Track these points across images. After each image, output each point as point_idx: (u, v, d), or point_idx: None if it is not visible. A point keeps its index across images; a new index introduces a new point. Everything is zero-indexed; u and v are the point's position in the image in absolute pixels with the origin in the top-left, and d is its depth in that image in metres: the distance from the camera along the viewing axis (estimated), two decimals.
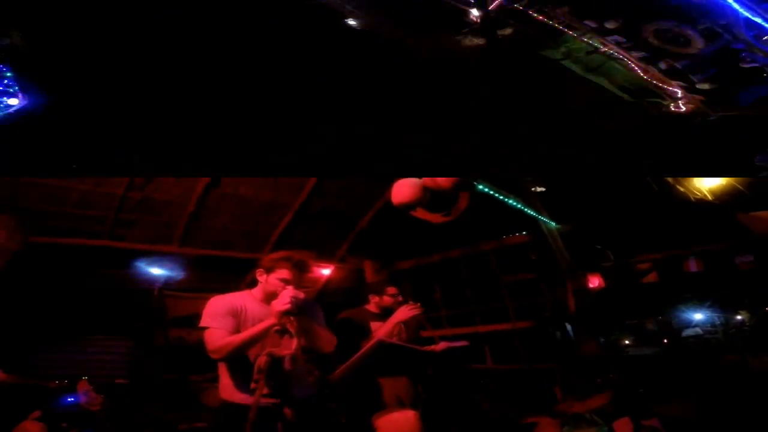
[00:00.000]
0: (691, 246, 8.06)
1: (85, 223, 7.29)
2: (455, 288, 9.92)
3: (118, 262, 7.81)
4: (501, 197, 7.39)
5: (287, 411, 3.56)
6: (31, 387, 6.53)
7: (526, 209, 8.17)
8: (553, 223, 8.59)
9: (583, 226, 8.49)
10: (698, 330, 7.97)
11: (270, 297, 3.79)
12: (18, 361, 6.83)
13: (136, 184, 7.03)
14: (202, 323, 3.70)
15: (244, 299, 3.86)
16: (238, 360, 3.65)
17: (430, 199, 5.85)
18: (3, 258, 6.48)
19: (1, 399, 5.73)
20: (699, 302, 8.00)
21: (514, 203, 7.83)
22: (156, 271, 8.17)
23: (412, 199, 5.77)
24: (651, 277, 8.46)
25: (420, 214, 7.76)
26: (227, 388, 3.73)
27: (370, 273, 10.06)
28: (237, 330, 3.68)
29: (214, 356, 3.64)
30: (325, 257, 9.64)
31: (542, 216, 8.48)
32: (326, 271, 9.80)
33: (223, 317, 3.70)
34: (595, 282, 8.43)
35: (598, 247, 8.73)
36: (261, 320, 3.66)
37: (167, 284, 8.63)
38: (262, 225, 8.58)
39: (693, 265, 8.01)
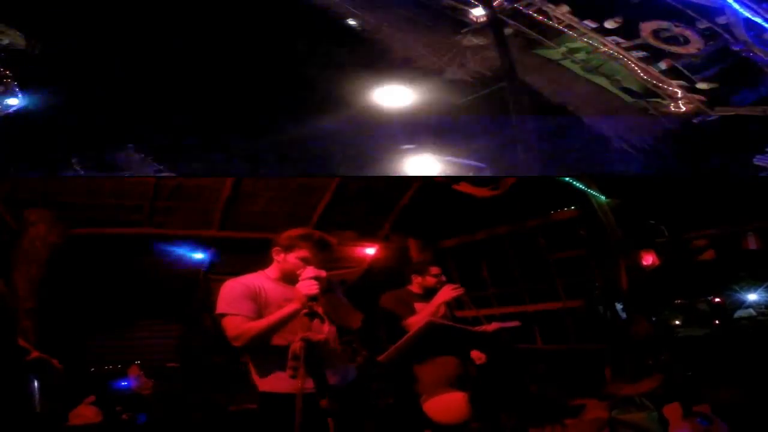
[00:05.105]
0: (750, 221, 7.70)
1: (123, 213, 7.45)
2: (502, 266, 9.72)
3: (160, 248, 7.94)
4: None
5: (323, 399, 3.33)
6: (85, 373, 6.73)
7: (574, 183, 7.93)
8: (603, 197, 8.32)
9: (635, 199, 8.19)
10: (751, 311, 7.63)
11: (287, 277, 3.51)
12: (71, 348, 7.03)
13: None
14: (219, 310, 3.39)
15: (261, 280, 3.55)
16: (265, 346, 3.37)
17: None
18: (45, 250, 6.62)
19: (58, 386, 5.87)
20: (754, 281, 7.66)
21: (562, 177, 7.61)
22: (198, 255, 8.28)
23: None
24: (707, 255, 8.14)
25: (464, 188, 7.61)
26: (258, 378, 3.47)
27: (415, 252, 9.95)
28: (258, 314, 3.39)
29: (235, 344, 3.33)
30: (369, 237, 9.59)
31: (591, 190, 8.21)
32: (370, 251, 9.76)
33: (241, 301, 3.38)
34: (648, 259, 8.12)
35: (652, 222, 8.43)
36: (285, 301, 3.38)
37: (211, 268, 8.75)
38: (301, 206, 8.59)
39: (752, 242, 7.67)
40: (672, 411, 5.61)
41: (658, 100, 6.26)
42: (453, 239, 10.12)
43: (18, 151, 5.03)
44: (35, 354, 4.13)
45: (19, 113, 5.15)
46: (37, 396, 4.10)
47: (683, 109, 6.15)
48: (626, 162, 5.88)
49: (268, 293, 3.49)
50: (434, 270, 5.18)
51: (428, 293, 5.04)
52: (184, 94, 5.49)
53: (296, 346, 3.20)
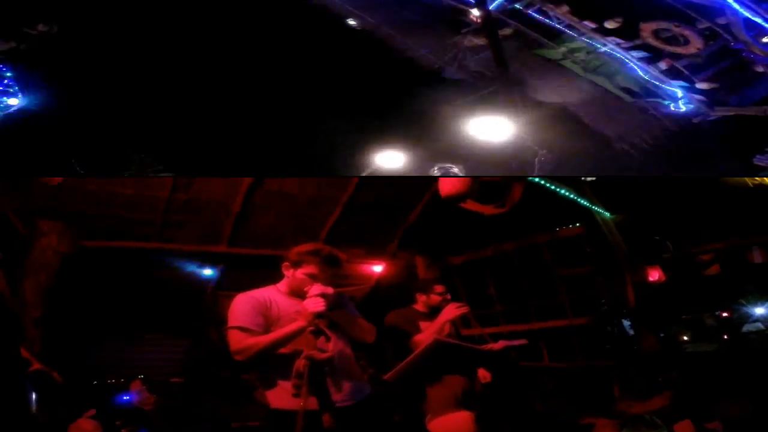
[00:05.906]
0: (756, 235, 7.62)
1: (134, 226, 7.39)
2: (509, 283, 9.66)
3: (169, 263, 7.89)
4: (553, 187, 7.17)
5: (327, 418, 3.27)
6: (86, 386, 6.67)
7: (579, 199, 7.90)
8: (608, 214, 8.29)
9: (640, 215, 8.15)
10: (760, 325, 7.55)
11: (296, 292, 3.50)
12: (75, 360, 6.99)
13: (180, 185, 7.04)
14: (229, 323, 3.35)
15: (271, 294, 3.53)
16: (272, 362, 3.34)
17: (478, 190, 5.76)
18: (55, 260, 6.60)
19: (58, 398, 5.83)
20: (762, 296, 7.57)
21: (567, 193, 7.58)
22: (207, 271, 8.25)
23: (460, 191, 5.67)
24: (713, 270, 8.07)
25: (470, 206, 7.58)
26: (265, 391, 3.41)
27: (422, 269, 9.87)
28: (267, 328, 3.36)
29: (236, 358, 3.28)
30: (376, 254, 9.54)
31: (596, 206, 8.18)
32: (378, 269, 9.70)
33: (248, 315, 3.35)
34: (655, 275, 8.06)
35: (657, 237, 8.38)
36: (297, 314, 3.35)
37: (219, 284, 8.72)
38: (310, 221, 8.52)
39: (757, 256, 7.61)
40: (683, 429, 5.52)
41: (658, 100, 6.28)
42: (460, 256, 10.07)
43: (18, 153, 5.04)
44: (36, 366, 4.10)
45: (21, 115, 5.18)
46: (35, 408, 4.08)
47: (683, 109, 6.18)
48: (626, 163, 5.92)
49: (280, 307, 3.47)
50: (438, 288, 5.15)
51: (433, 312, 5.00)
52: (186, 95, 5.52)
53: (300, 364, 3.19)
